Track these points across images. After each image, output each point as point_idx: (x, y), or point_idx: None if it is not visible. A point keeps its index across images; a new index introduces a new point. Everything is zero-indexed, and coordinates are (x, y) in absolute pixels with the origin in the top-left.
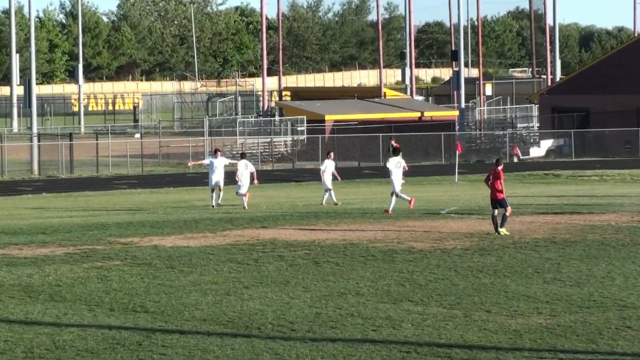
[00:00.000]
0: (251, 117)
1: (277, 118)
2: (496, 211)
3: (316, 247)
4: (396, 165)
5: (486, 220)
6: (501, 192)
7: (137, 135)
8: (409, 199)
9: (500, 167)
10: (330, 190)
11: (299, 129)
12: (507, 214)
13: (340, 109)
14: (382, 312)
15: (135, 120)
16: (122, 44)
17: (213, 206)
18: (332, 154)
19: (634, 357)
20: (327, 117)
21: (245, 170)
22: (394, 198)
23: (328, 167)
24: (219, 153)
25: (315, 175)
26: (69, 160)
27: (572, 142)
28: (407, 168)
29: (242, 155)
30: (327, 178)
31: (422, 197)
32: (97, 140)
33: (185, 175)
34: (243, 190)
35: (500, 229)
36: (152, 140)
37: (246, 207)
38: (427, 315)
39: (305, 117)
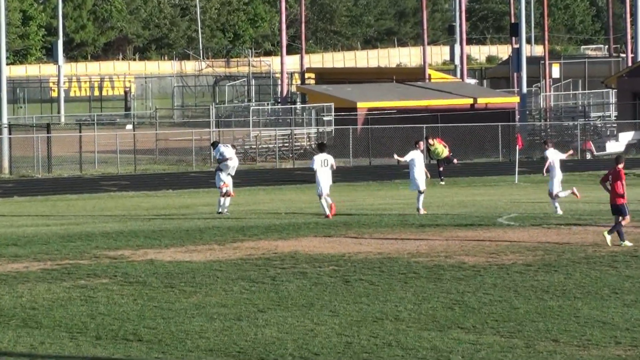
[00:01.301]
0: (267, 104)
1: (298, 106)
2: (620, 218)
3: (346, 262)
4: (322, 163)
5: (553, 230)
6: (622, 196)
7: (129, 127)
8: (328, 209)
9: (620, 166)
10: (421, 193)
11: (325, 119)
12: (624, 223)
13: (376, 95)
14: (426, 341)
15: (127, 109)
16: (110, 16)
17: (219, 212)
18: (421, 143)
19: None
20: (359, 105)
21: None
22: (324, 201)
23: (417, 160)
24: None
25: (346, 175)
26: (47, 156)
27: None
28: (334, 167)
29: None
30: (420, 174)
31: (475, 202)
32: (80, 132)
33: (188, 175)
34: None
35: (623, 241)
36: (147, 132)
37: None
38: (481, 346)
39: (332, 105)
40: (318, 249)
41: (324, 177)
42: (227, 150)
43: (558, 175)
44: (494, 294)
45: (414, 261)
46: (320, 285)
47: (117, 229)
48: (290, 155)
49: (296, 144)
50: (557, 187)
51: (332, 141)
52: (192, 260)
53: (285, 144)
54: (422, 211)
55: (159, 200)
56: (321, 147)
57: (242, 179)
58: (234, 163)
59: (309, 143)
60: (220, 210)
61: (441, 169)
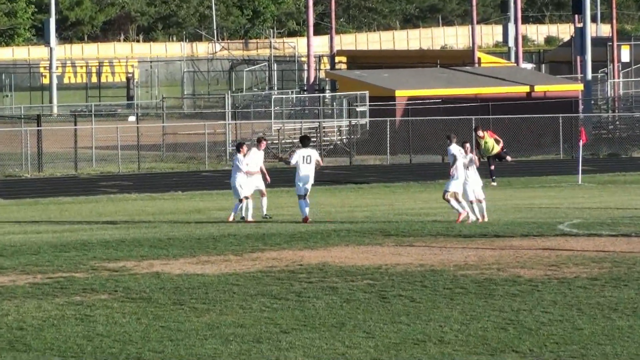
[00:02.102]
0: (291, 93)
1: (327, 94)
2: None
3: (383, 276)
4: (305, 160)
5: (622, 238)
6: None
7: (132, 119)
8: (305, 215)
9: None
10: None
11: (358, 109)
12: None
13: (417, 82)
14: None
15: (129, 98)
16: None
17: (242, 218)
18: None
19: None
20: (398, 93)
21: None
22: (304, 202)
23: (459, 156)
24: (263, 144)
25: (383, 175)
26: (37, 153)
27: None
28: (321, 163)
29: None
30: (460, 171)
31: (532, 206)
32: (75, 125)
33: (200, 175)
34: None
35: None
36: (152, 125)
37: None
38: None
39: (367, 94)
40: (350, 260)
41: (307, 176)
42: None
43: (462, 177)
44: (553, 312)
45: (461, 274)
46: (353, 302)
47: (118, 237)
48: (318, 152)
49: (325, 138)
50: (453, 188)
51: (366, 135)
52: (205, 273)
53: (312, 139)
54: (481, 219)
55: (167, 204)
56: (304, 141)
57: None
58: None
59: (339, 138)
60: (244, 215)
61: (492, 167)
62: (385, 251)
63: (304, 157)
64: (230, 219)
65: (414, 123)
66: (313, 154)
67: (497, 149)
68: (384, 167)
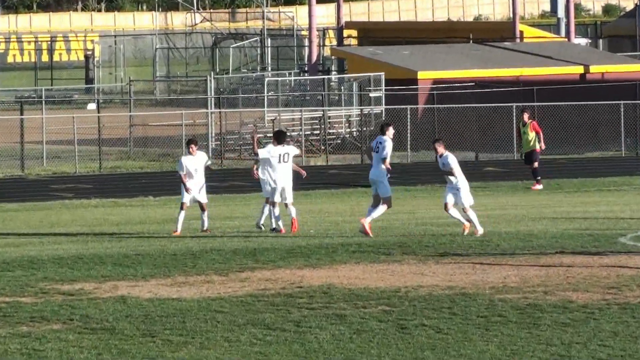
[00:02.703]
0: (289, 74)
1: (334, 76)
2: None
3: (402, 301)
4: (281, 158)
5: None
6: None
7: (92, 106)
8: (279, 223)
9: None
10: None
11: (372, 95)
12: None
13: (445, 61)
14: None
15: (89, 81)
16: None
17: (261, 228)
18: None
19: None
20: (421, 75)
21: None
22: (277, 210)
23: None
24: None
25: (403, 176)
26: None
27: None
28: (302, 172)
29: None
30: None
31: (587, 214)
32: (21, 114)
33: (176, 176)
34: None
35: None
36: (117, 114)
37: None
38: None
39: (383, 76)
40: (362, 281)
41: (283, 178)
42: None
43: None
44: (614, 345)
45: (498, 299)
46: (365, 333)
47: (75, 253)
48: (322, 148)
49: (331, 131)
50: (468, 199)
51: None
52: (182, 297)
53: (315, 132)
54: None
55: (135, 212)
56: (279, 137)
57: (250, 179)
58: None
59: (349, 130)
60: (273, 225)
61: (535, 165)
62: (404, 270)
63: (280, 155)
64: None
65: (441, 112)
66: (291, 151)
67: (535, 145)
68: (404, 167)
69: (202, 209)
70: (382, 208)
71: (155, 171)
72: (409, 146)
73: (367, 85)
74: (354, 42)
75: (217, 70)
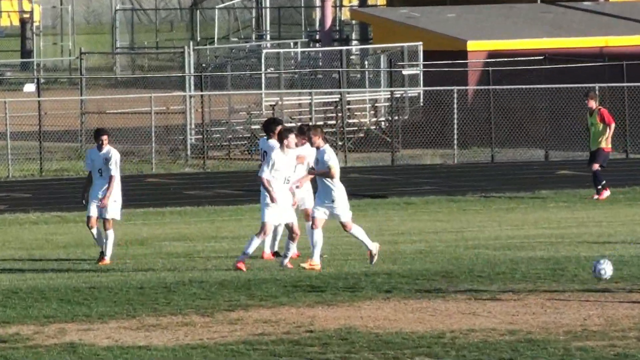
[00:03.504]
0: (294, 45)
1: (354, 48)
2: None
3: (447, 350)
4: (286, 164)
5: None
6: None
7: (30, 88)
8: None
9: None
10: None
11: (406, 72)
12: None
13: (504, 27)
14: None
15: (25, 53)
16: None
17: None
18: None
19: None
20: (472, 46)
21: None
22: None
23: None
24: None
25: (446, 181)
26: None
27: None
28: (333, 175)
29: None
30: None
31: None
32: None
33: (142, 181)
34: None
35: None
36: (64, 99)
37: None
38: None
39: (421, 46)
40: (392, 323)
41: (286, 193)
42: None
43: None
44: None
45: (576, 347)
46: None
47: (7, 286)
48: (340, 144)
49: (351, 120)
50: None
51: (418, 115)
52: (152, 344)
53: (330, 122)
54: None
55: (87, 230)
56: (301, 131)
57: (242, 186)
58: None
59: (375, 120)
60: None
61: (596, 166)
62: (450, 308)
63: (285, 163)
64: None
65: (498, 95)
66: (306, 153)
67: (602, 141)
68: (449, 169)
69: (105, 227)
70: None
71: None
72: (455, 142)
73: (399, 60)
74: (381, 1)
75: (198, 39)
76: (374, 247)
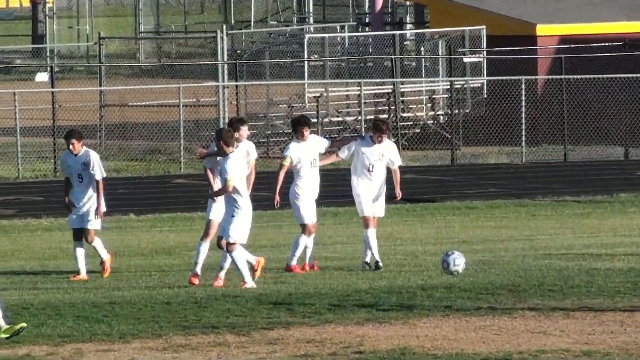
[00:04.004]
0: (341, 29)
1: (409, 32)
2: None
3: None
4: (311, 164)
5: None
6: None
7: (42, 77)
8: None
9: None
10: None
11: (467, 60)
12: None
13: (579, 8)
14: None
15: (38, 38)
16: None
17: (368, 264)
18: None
19: None
20: (541, 30)
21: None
22: (303, 242)
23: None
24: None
25: (513, 183)
26: None
27: None
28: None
29: None
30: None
31: None
32: None
33: (170, 183)
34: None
35: None
36: (81, 90)
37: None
38: None
39: (484, 30)
40: (452, 343)
41: (312, 193)
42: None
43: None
44: None
45: None
46: None
47: (18, 301)
48: (393, 140)
49: (405, 115)
50: None
51: (482, 109)
52: None
53: (381, 115)
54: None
55: (108, 238)
56: (299, 125)
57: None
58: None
59: (432, 114)
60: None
61: None
62: (518, 327)
63: (310, 161)
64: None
65: (572, 85)
66: (322, 144)
67: None
68: (516, 169)
69: (87, 239)
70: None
71: (138, 175)
72: (523, 138)
73: (459, 46)
74: None
75: (232, 22)
76: (250, 282)
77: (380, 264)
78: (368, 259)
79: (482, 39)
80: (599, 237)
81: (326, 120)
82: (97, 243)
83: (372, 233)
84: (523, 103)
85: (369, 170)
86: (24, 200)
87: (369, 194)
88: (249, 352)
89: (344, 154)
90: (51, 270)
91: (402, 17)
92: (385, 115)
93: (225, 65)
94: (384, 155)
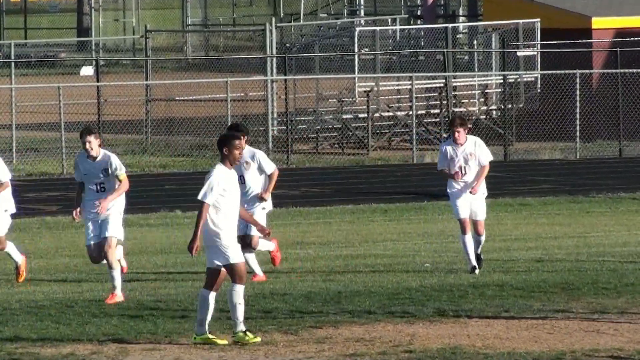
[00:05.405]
0: (392, 22)
1: (461, 25)
2: None
3: None
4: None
5: None
6: None
7: (87, 71)
8: None
9: None
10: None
11: (520, 54)
12: None
13: (633, 3)
14: None
15: (82, 31)
16: None
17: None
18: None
19: None
20: (597, 23)
21: None
22: None
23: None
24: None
25: (567, 178)
26: None
27: None
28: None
29: None
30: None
31: None
32: None
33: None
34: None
35: None
36: (126, 84)
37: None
38: None
39: (538, 24)
40: (504, 342)
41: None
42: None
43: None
44: None
45: None
46: None
47: (61, 298)
48: (444, 136)
49: (457, 109)
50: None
51: (535, 103)
52: None
53: (434, 111)
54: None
55: (152, 234)
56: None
57: (332, 184)
58: None
59: (485, 109)
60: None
61: None
62: (571, 325)
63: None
64: None
65: (628, 80)
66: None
67: None
68: (570, 165)
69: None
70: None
71: (185, 172)
72: (577, 134)
73: (513, 39)
74: None
75: (281, 15)
76: (120, 296)
77: (476, 269)
78: (473, 257)
79: (536, 32)
80: None
81: (377, 115)
82: (10, 247)
83: (468, 239)
84: (577, 98)
85: (461, 173)
86: (68, 196)
87: (464, 196)
88: (296, 351)
89: (442, 164)
90: (96, 268)
91: (455, 10)
92: (436, 110)
93: (274, 59)
94: (472, 154)
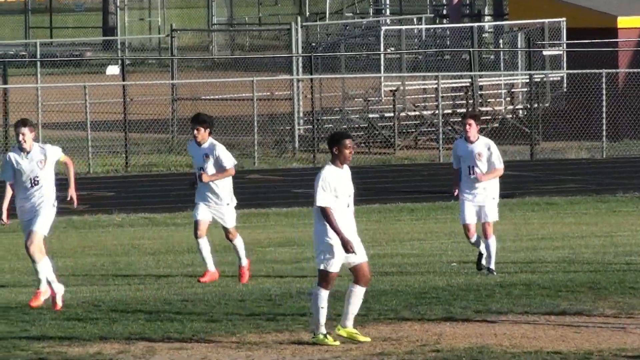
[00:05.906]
0: (417, 21)
1: (487, 24)
2: None
3: None
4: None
5: None
6: None
7: (113, 70)
8: None
9: None
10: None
11: (546, 53)
12: None
13: None
14: None
15: (108, 30)
16: None
17: (486, 269)
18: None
19: None
20: (623, 22)
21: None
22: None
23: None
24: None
25: (594, 177)
26: None
27: None
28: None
29: None
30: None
31: None
32: (5, 82)
33: (243, 178)
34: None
35: None
36: (152, 83)
37: None
38: None
39: (564, 23)
40: (531, 341)
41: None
42: None
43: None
44: None
45: None
46: None
47: (88, 298)
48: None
49: (483, 109)
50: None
51: (561, 103)
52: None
53: (459, 110)
54: None
55: (178, 233)
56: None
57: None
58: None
59: (511, 108)
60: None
61: None
62: (599, 325)
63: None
64: None
65: None
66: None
67: None
68: (597, 164)
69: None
70: None
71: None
72: (604, 133)
73: (539, 39)
74: None
75: (307, 14)
76: (57, 301)
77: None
78: (484, 261)
79: (562, 32)
80: None
81: (403, 114)
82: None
83: (474, 241)
84: (604, 97)
85: (470, 173)
86: (94, 195)
87: (473, 202)
88: (324, 351)
89: (456, 163)
90: (122, 267)
91: (481, 9)
92: (462, 110)
93: (300, 58)
94: (480, 154)
